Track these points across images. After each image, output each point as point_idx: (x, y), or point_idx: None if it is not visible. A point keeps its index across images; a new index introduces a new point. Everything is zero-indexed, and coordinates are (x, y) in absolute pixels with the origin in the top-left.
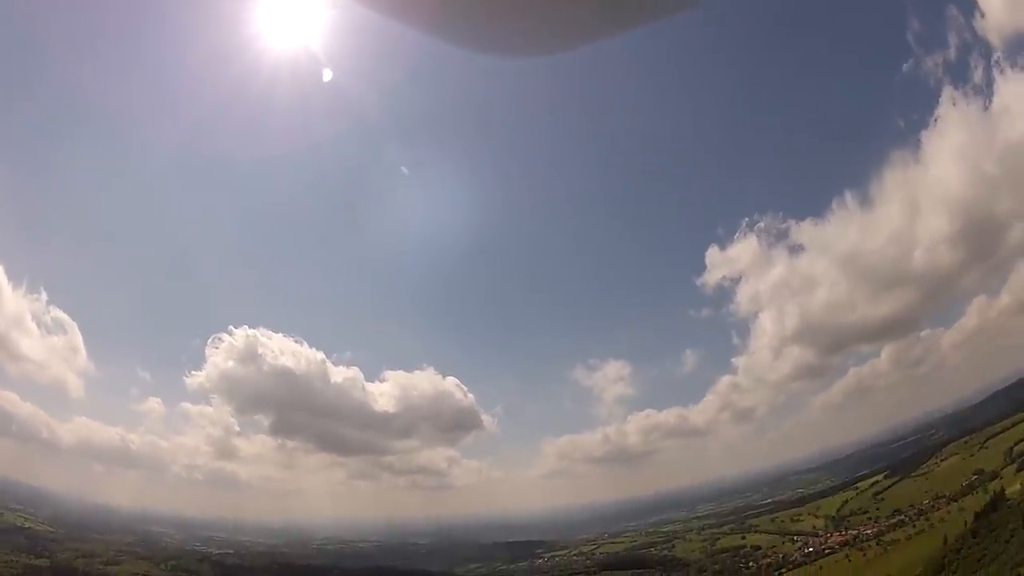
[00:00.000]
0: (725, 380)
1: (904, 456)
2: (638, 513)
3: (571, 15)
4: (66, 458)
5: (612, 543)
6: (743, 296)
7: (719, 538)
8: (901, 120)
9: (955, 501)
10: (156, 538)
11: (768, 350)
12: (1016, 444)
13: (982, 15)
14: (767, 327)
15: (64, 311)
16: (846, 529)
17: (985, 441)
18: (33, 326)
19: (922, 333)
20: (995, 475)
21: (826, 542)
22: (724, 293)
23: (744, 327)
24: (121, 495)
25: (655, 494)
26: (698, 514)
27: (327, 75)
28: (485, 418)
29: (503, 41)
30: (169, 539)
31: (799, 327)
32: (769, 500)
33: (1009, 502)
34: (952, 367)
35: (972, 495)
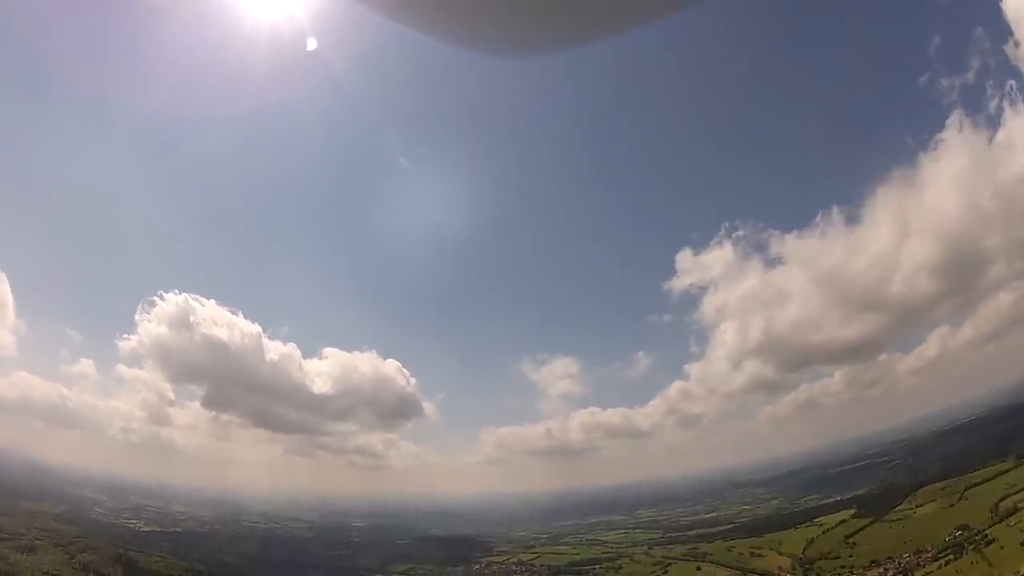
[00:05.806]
0: (676, 385)
1: (863, 488)
2: (577, 510)
3: (553, 17)
4: (5, 413)
5: (553, 553)
6: (709, 305)
7: (670, 564)
8: (901, 139)
9: (943, 561)
10: (87, 508)
11: (726, 360)
12: (1002, 499)
13: (1017, 44)
14: (728, 338)
15: None
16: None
17: (964, 491)
18: None
19: (880, 357)
20: (983, 534)
21: None
22: (690, 300)
23: (704, 336)
24: (58, 454)
25: (593, 489)
26: (640, 520)
27: (311, 43)
28: (426, 405)
29: (484, 40)
30: (100, 509)
31: (762, 341)
32: (714, 514)
33: None
34: (905, 392)
35: (965, 556)
